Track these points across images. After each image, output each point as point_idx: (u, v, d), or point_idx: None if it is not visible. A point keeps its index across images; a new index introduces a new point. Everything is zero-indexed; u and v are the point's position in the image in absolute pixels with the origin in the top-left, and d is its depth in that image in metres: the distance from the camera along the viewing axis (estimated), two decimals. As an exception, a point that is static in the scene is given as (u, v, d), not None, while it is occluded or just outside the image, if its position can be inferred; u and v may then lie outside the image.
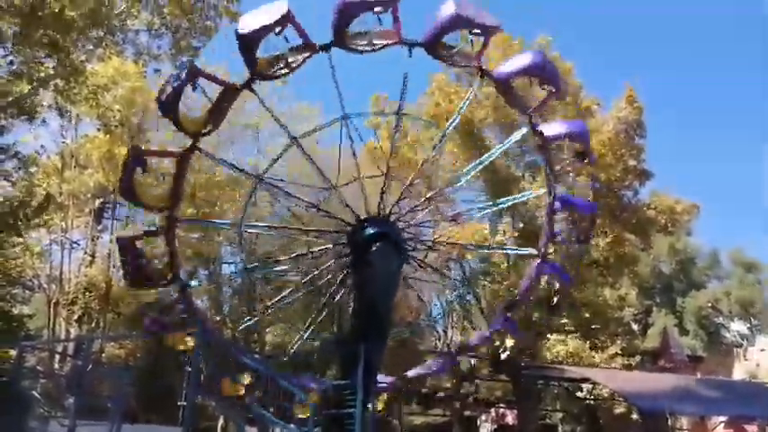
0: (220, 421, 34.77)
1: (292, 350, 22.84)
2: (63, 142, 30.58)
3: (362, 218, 18.67)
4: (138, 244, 17.95)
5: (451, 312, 32.34)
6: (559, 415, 40.67)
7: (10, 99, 18.68)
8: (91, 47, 19.04)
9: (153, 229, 19.85)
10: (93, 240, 31.72)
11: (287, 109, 32.74)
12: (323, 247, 20.17)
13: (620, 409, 32.97)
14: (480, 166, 21.34)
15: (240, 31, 14.97)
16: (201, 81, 15.49)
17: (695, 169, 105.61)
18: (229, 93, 16.46)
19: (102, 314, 30.13)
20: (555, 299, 21.35)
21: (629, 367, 35.73)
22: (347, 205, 18.99)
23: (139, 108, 29.18)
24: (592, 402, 34.67)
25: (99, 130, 27.81)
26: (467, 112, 37.70)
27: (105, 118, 25.28)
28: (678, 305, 46.54)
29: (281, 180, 20.04)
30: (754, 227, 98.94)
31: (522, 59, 17.55)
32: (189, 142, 16.73)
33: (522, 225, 34.87)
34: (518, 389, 33.06)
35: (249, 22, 14.89)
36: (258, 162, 32.50)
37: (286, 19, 14.64)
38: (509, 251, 27.16)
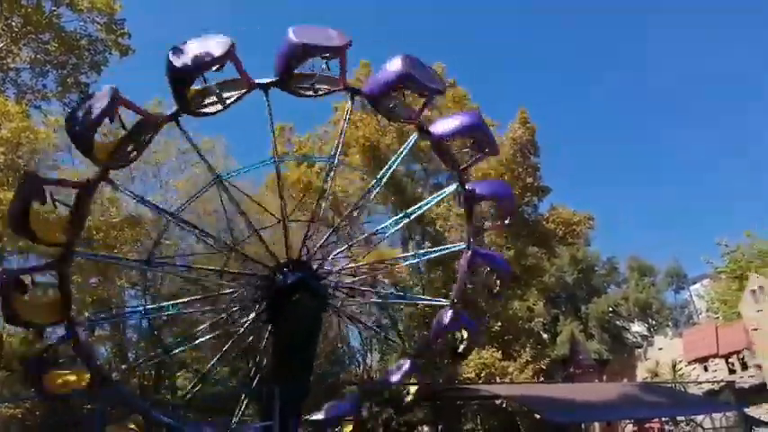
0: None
1: (191, 394, 21.57)
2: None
3: (282, 262, 18.21)
4: (26, 280, 16.47)
5: (370, 339, 32.26)
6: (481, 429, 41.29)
7: None
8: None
9: (44, 263, 18.28)
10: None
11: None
12: (234, 289, 19.55)
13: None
14: (407, 219, 21.35)
15: (174, 65, 13.95)
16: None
17: (593, 184, 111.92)
18: (151, 125, 15.51)
19: (-7, 373, 27.75)
20: (462, 347, 21.68)
21: (540, 372, 37.01)
22: (270, 251, 18.64)
23: (26, 149, 27.29)
24: (510, 410, 35.47)
25: (-17, 174, 25.77)
26: (373, 140, 38.45)
27: (-12, 162, 23.52)
28: (582, 312, 48.77)
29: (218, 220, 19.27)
30: (648, 234, 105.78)
31: (459, 120, 18.46)
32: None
33: (430, 245, 35.93)
34: (438, 411, 33.49)
35: (186, 56, 13.93)
36: (161, 197, 31.42)
37: (228, 56, 13.99)
38: (424, 301, 27.54)
